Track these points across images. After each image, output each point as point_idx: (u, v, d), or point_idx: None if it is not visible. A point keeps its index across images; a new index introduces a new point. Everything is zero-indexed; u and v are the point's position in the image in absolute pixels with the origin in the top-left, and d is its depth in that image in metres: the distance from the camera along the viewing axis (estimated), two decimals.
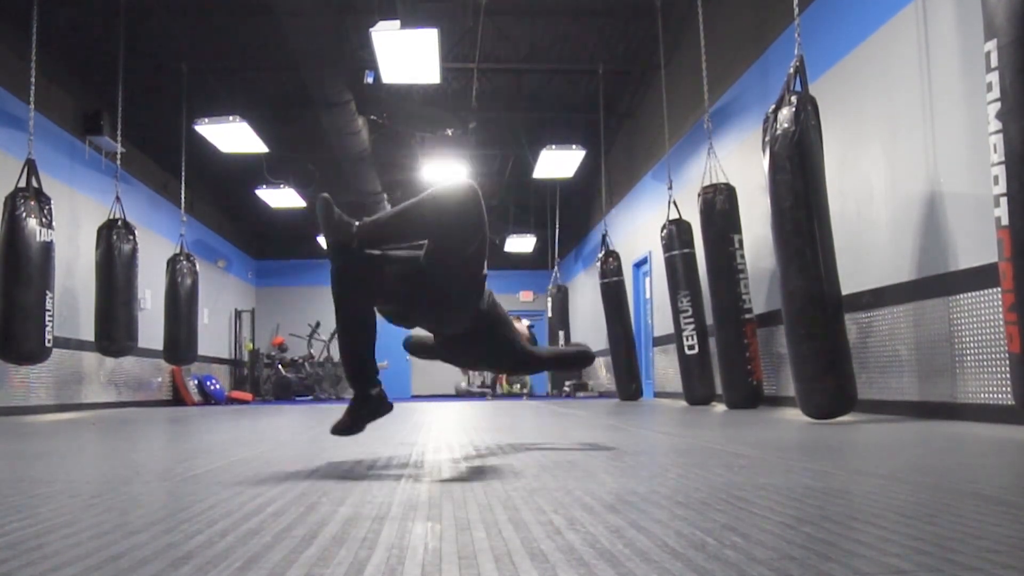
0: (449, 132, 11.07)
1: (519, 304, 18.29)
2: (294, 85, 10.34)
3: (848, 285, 4.96)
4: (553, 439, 3.70)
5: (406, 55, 7.29)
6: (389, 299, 2.72)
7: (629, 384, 9.79)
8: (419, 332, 2.99)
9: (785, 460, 2.54)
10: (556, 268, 14.95)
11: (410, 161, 12.90)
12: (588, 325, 14.43)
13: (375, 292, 2.66)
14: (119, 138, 8.73)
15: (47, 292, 6.50)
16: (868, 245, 5.24)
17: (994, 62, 3.15)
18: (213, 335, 14.24)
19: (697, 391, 7.53)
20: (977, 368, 4.17)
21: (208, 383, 12.77)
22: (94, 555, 1.26)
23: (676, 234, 7.61)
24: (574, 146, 10.44)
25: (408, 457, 2.84)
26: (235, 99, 10.39)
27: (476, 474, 2.31)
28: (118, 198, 8.23)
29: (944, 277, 4.44)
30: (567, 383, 14.75)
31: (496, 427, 4.60)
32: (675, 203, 7.77)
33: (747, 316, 6.42)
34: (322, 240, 2.68)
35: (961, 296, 4.29)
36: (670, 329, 7.98)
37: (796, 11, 4.96)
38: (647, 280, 11.31)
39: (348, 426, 2.64)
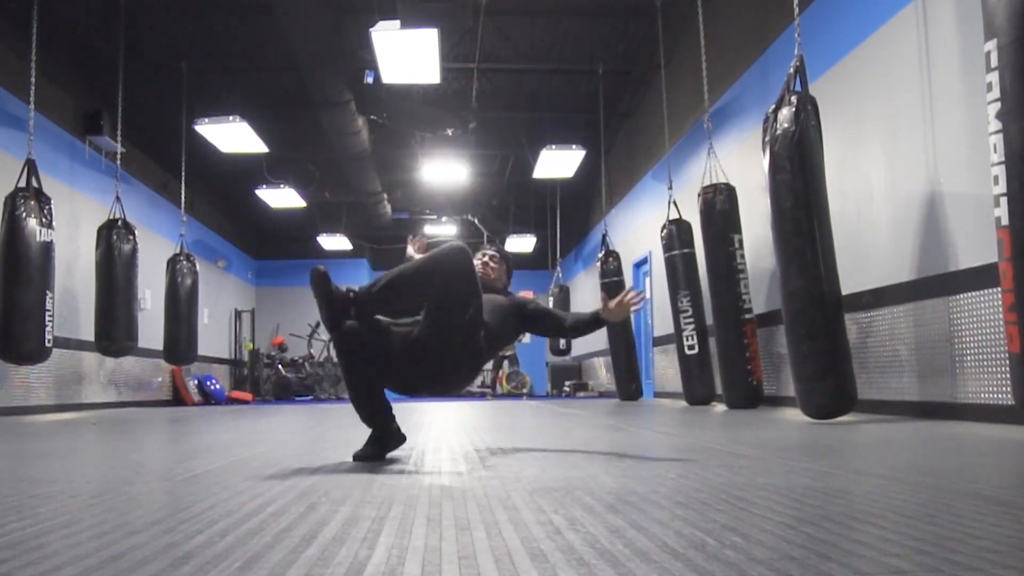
0: (449, 132, 11.07)
1: None
2: (294, 85, 10.33)
3: (848, 285, 4.96)
4: (553, 439, 3.70)
5: (406, 55, 7.28)
6: (393, 375, 2.78)
7: (629, 384, 9.79)
8: None
9: (785, 460, 2.54)
10: (558, 268, 14.97)
11: (410, 161, 12.91)
12: None
13: (378, 363, 2.72)
14: (119, 138, 8.73)
15: (47, 292, 6.50)
16: (868, 245, 5.24)
17: (994, 62, 3.15)
18: (213, 335, 14.24)
19: (697, 391, 7.53)
20: (977, 368, 4.17)
21: (208, 383, 12.77)
22: (94, 555, 1.26)
23: (676, 234, 7.61)
24: (574, 146, 10.44)
25: (408, 457, 2.84)
26: (235, 99, 10.39)
27: (476, 474, 2.31)
28: (118, 198, 8.23)
29: (944, 277, 4.44)
30: (567, 383, 14.76)
31: (496, 427, 4.60)
32: (675, 203, 7.77)
33: (747, 316, 6.42)
34: (318, 311, 2.73)
35: (961, 296, 4.29)
36: (670, 329, 7.98)
37: (796, 11, 4.96)
38: (647, 280, 11.31)
39: (370, 456, 2.74)
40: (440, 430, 4.48)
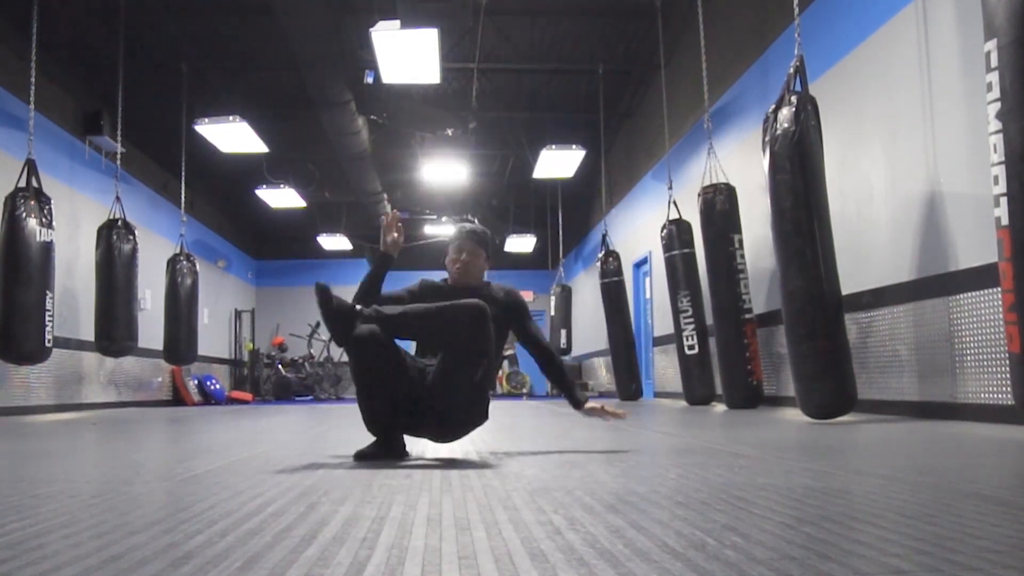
0: (449, 132, 11.07)
1: None
2: (294, 85, 10.33)
3: (848, 285, 4.96)
4: (553, 439, 3.70)
5: (406, 55, 7.28)
6: (403, 402, 2.76)
7: (629, 384, 9.79)
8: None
9: (785, 460, 2.54)
10: (560, 267, 14.96)
11: (410, 161, 12.91)
12: (588, 325, 14.43)
13: (391, 373, 2.71)
14: (119, 138, 8.73)
15: (47, 292, 6.50)
16: (868, 245, 5.24)
17: (994, 62, 3.15)
18: (213, 335, 14.24)
19: (697, 391, 7.53)
20: (977, 368, 4.17)
21: (208, 383, 12.76)
22: (94, 555, 1.26)
23: (676, 234, 7.61)
24: (574, 146, 10.44)
25: (408, 457, 2.84)
26: (235, 99, 10.39)
27: (476, 474, 2.31)
28: (118, 198, 8.23)
29: (944, 277, 4.44)
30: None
31: (496, 427, 4.60)
32: (675, 203, 7.77)
33: (747, 316, 6.42)
34: (326, 327, 2.74)
35: (961, 296, 4.29)
36: (670, 329, 7.98)
37: (796, 11, 4.96)
38: (647, 280, 11.31)
39: (371, 456, 2.73)
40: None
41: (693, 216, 7.09)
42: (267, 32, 8.83)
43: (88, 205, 8.92)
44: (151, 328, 9.80)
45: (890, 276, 4.99)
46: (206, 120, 9.33)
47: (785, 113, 4.61)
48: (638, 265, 11.72)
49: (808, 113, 4.59)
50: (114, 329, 7.99)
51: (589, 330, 14.41)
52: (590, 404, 3.10)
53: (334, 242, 16.18)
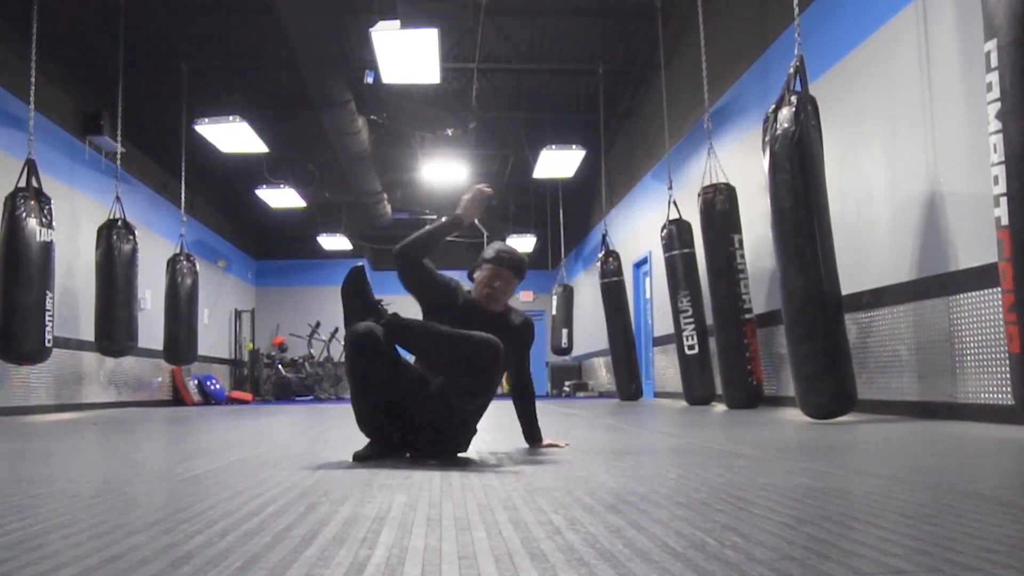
0: (449, 132, 11.07)
1: (519, 304, 18.29)
2: (294, 85, 10.33)
3: (848, 285, 4.96)
4: (553, 440, 3.69)
5: (406, 55, 7.29)
6: (396, 409, 2.76)
7: (629, 384, 9.79)
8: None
9: (785, 460, 2.54)
10: (562, 267, 14.96)
11: (410, 161, 12.91)
12: (588, 325, 14.44)
13: (388, 377, 2.71)
14: (119, 138, 8.73)
15: (47, 292, 6.50)
16: (868, 245, 5.24)
17: (994, 62, 3.15)
18: (213, 335, 14.24)
19: (697, 391, 7.53)
20: (977, 368, 4.17)
21: (208, 383, 12.77)
22: (94, 555, 1.26)
23: (676, 234, 7.61)
24: (574, 146, 10.44)
25: (408, 457, 2.84)
26: (235, 99, 10.39)
27: (476, 474, 2.31)
28: (118, 198, 8.23)
29: (944, 277, 4.44)
30: (567, 383, 14.76)
31: (496, 427, 4.59)
32: (675, 203, 7.77)
33: (747, 316, 6.42)
34: (345, 305, 2.73)
35: (961, 296, 4.29)
36: (670, 329, 7.98)
37: (796, 11, 4.96)
38: (647, 280, 11.31)
39: (370, 456, 2.73)
40: None
41: (693, 216, 7.09)
42: (267, 32, 8.83)
43: (88, 205, 8.92)
44: (151, 328, 9.80)
45: (890, 276, 4.99)
46: (206, 120, 9.34)
47: (785, 113, 4.61)
48: (638, 265, 11.72)
49: (808, 113, 4.59)
50: (114, 329, 7.99)
51: (589, 330, 14.42)
52: (546, 442, 3.18)
53: (334, 242, 16.18)
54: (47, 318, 6.49)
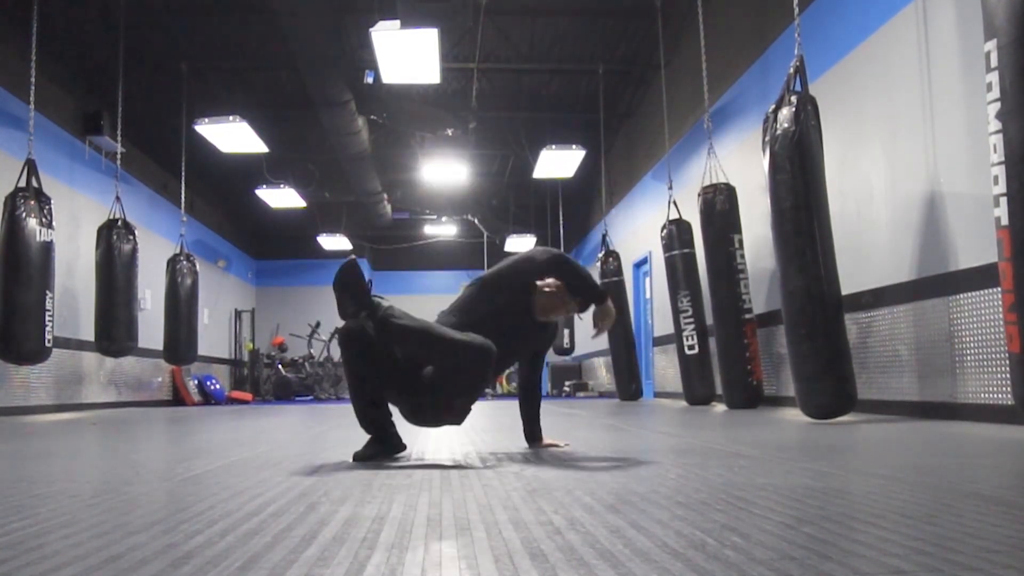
0: (449, 132, 11.07)
1: None
2: (294, 85, 10.34)
3: (848, 285, 4.96)
4: (553, 439, 3.69)
5: (406, 55, 7.29)
6: (393, 388, 2.79)
7: (629, 384, 9.79)
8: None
9: (785, 460, 2.54)
10: None
11: (410, 161, 12.91)
12: (588, 324, 14.40)
13: (380, 366, 2.73)
14: (119, 138, 8.73)
15: (47, 292, 6.50)
16: (868, 245, 5.24)
17: (994, 62, 3.15)
18: (213, 335, 14.24)
19: (697, 391, 7.53)
20: (977, 368, 4.17)
21: (208, 383, 12.77)
22: (94, 555, 1.26)
23: (676, 234, 7.61)
24: (574, 146, 10.44)
25: (408, 457, 2.84)
26: (235, 99, 10.39)
27: (476, 474, 2.31)
28: (118, 198, 8.23)
29: (944, 277, 4.44)
30: (567, 383, 14.76)
31: (496, 427, 4.60)
32: (675, 203, 7.77)
33: (747, 316, 6.42)
34: (339, 299, 2.74)
35: (961, 296, 4.29)
36: (670, 329, 7.98)
37: (796, 11, 4.96)
38: (647, 280, 11.31)
39: (370, 456, 2.75)
40: (440, 430, 4.47)
41: (693, 216, 7.09)
42: (267, 32, 8.83)
43: (88, 205, 8.92)
44: (151, 328, 9.80)
45: (890, 276, 4.99)
46: (206, 120, 9.34)
47: (785, 113, 4.61)
48: (638, 265, 11.72)
49: (808, 113, 4.59)
50: (114, 329, 7.99)
51: (589, 329, 14.40)
52: (546, 441, 3.19)
53: (334, 242, 16.18)
54: (47, 318, 6.49)
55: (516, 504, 1.73)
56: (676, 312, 7.58)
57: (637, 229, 11.40)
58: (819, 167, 4.62)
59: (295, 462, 2.72)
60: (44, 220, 6.51)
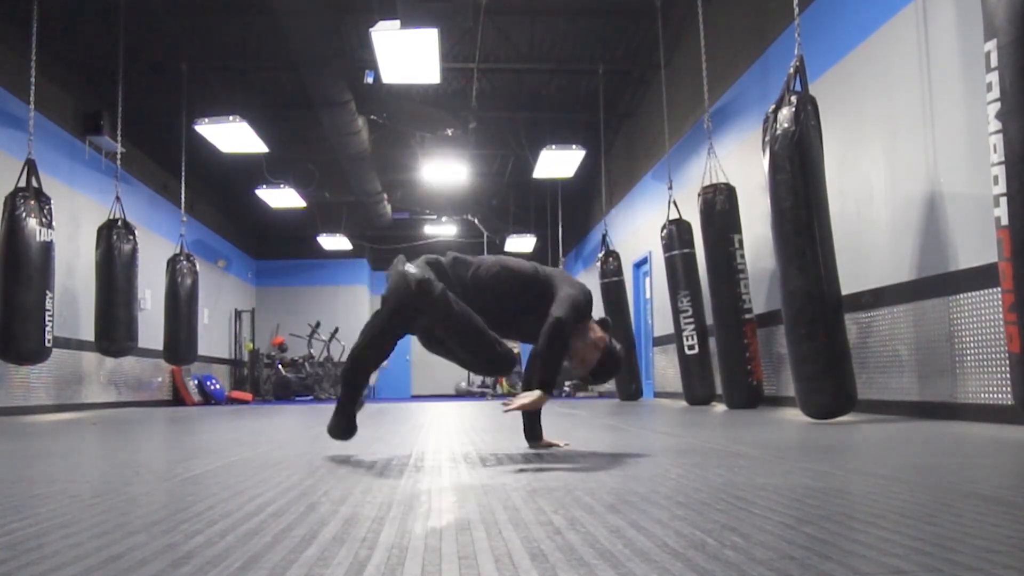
0: (449, 132, 11.07)
1: None
2: (294, 85, 10.34)
3: (848, 285, 4.96)
4: (553, 439, 3.69)
5: (406, 55, 7.29)
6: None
7: (629, 384, 9.79)
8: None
9: (785, 460, 2.54)
10: (562, 267, 14.95)
11: (410, 161, 12.91)
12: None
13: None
14: (119, 138, 8.74)
15: (47, 292, 6.50)
16: (868, 245, 5.24)
17: (994, 62, 3.15)
18: (213, 335, 14.24)
19: (697, 391, 7.53)
20: (977, 368, 4.17)
21: (208, 383, 12.77)
22: (94, 555, 1.26)
23: (676, 234, 7.61)
24: (574, 146, 10.44)
25: (408, 457, 2.84)
26: (235, 99, 10.38)
27: (476, 474, 2.31)
28: (118, 198, 8.24)
29: (944, 277, 4.44)
30: (567, 383, 14.76)
31: (496, 427, 4.60)
32: (675, 203, 7.77)
33: (747, 316, 6.42)
34: (399, 279, 2.78)
35: (961, 296, 4.29)
36: (670, 329, 7.98)
37: (796, 11, 4.96)
38: (647, 280, 11.31)
39: (341, 427, 2.99)
40: (440, 430, 4.48)
41: (693, 216, 7.09)
42: (267, 32, 8.83)
43: (88, 205, 8.93)
44: (151, 328, 9.80)
45: (890, 276, 4.99)
46: (206, 120, 9.33)
47: (785, 113, 4.61)
48: (638, 265, 11.72)
49: (808, 113, 4.59)
50: (114, 329, 7.99)
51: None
52: (546, 441, 3.13)
53: (334, 242, 16.19)
54: (47, 318, 6.49)
55: (516, 504, 1.73)
56: (676, 312, 7.58)
57: (637, 229, 11.40)
58: (819, 167, 4.62)
59: (295, 462, 2.72)
60: (44, 220, 6.51)
